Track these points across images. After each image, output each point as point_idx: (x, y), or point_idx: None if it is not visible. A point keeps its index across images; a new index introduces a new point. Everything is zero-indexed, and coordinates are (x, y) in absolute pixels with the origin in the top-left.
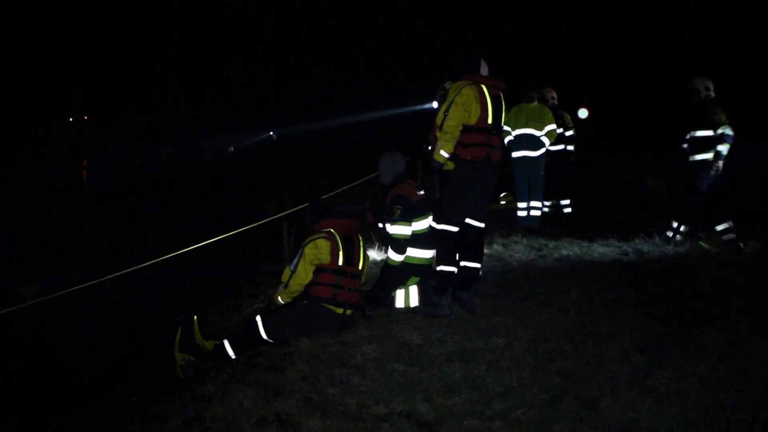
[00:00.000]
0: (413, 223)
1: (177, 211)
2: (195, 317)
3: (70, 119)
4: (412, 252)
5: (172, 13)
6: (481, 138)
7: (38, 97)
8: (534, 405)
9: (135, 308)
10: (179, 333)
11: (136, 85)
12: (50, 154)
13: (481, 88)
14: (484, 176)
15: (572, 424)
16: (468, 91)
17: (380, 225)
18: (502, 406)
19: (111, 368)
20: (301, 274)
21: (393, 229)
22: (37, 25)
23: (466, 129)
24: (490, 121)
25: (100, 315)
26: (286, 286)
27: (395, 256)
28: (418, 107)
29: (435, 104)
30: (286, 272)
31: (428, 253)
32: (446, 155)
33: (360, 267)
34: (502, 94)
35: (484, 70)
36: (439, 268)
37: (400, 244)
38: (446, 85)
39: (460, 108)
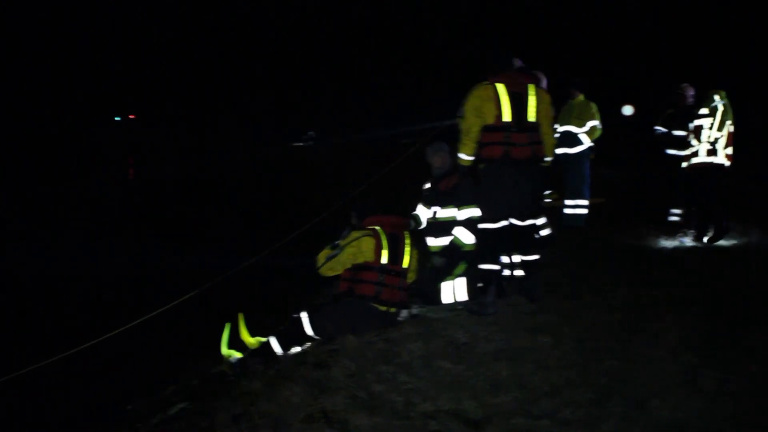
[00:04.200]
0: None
1: (222, 208)
2: (241, 314)
3: (117, 119)
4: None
5: (221, 11)
6: (497, 137)
7: (85, 97)
8: (582, 404)
9: (181, 304)
10: (226, 329)
11: (182, 85)
12: (97, 153)
13: (495, 87)
14: (509, 174)
15: (620, 423)
16: (479, 93)
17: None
18: (550, 404)
19: (159, 364)
20: (335, 267)
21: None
22: (83, 24)
23: (486, 129)
24: (507, 118)
25: (146, 312)
26: (319, 267)
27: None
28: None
29: None
30: (324, 253)
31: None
32: (466, 157)
33: (406, 265)
34: (533, 90)
35: (511, 67)
36: (480, 266)
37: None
38: None
39: (471, 110)
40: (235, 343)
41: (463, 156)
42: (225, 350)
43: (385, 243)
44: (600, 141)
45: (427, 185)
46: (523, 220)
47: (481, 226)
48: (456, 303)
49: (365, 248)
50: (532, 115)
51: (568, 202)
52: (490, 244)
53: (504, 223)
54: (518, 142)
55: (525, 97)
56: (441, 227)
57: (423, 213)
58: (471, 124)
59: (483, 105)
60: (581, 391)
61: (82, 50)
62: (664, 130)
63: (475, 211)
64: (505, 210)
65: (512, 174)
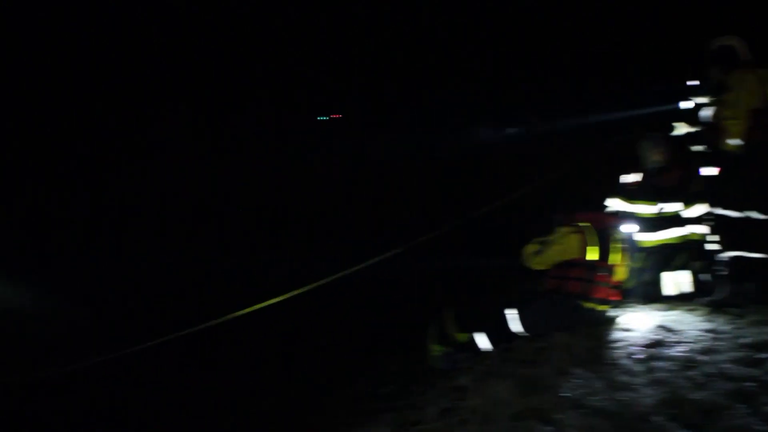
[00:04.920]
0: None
1: (430, 200)
2: (450, 309)
3: (325, 118)
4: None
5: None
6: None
7: (288, 96)
8: None
9: (391, 298)
10: (435, 324)
11: (390, 82)
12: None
13: (757, 73)
14: None
15: None
16: (747, 77)
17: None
18: None
19: (367, 357)
20: (542, 262)
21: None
22: (293, 25)
23: (757, 112)
24: None
25: (356, 303)
26: (526, 261)
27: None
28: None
29: (686, 104)
30: (531, 248)
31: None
32: (737, 142)
33: (615, 262)
34: None
35: (747, 55)
36: (720, 256)
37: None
38: (692, 82)
39: (743, 94)
40: (444, 338)
41: (733, 141)
42: (433, 344)
43: (593, 240)
44: None
45: (630, 179)
46: (765, 214)
47: (723, 212)
48: (679, 295)
49: (572, 246)
50: None
51: None
52: (731, 234)
53: (743, 214)
54: None
55: None
56: (663, 222)
57: (623, 207)
58: (742, 108)
59: (754, 88)
60: None
61: (290, 53)
62: None
63: (705, 208)
64: (755, 198)
65: None
